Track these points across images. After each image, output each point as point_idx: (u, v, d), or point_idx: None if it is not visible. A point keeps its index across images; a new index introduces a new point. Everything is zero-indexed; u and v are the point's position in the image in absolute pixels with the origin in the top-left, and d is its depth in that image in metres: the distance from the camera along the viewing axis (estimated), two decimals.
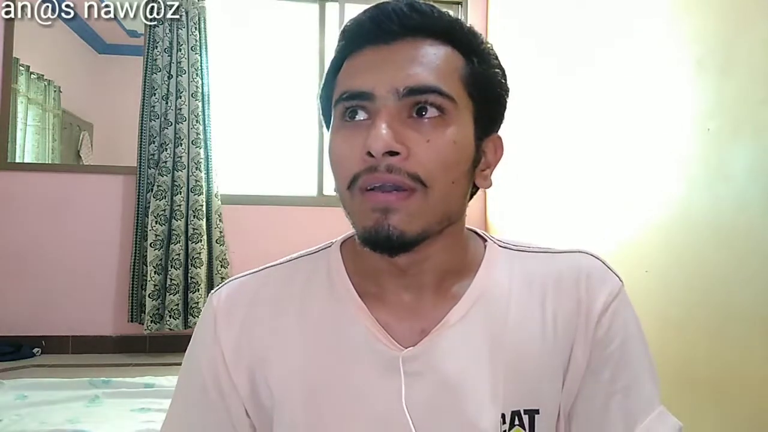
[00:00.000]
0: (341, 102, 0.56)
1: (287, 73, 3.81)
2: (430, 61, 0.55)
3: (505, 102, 0.61)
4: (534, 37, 3.09)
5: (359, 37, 0.57)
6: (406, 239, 0.53)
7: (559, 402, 0.60)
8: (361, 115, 0.55)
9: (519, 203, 3.19)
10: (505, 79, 0.61)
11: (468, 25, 0.59)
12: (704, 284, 1.80)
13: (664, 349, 1.94)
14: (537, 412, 0.58)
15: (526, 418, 0.58)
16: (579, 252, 0.64)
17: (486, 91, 0.58)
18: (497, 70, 0.60)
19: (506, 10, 3.57)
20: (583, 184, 2.58)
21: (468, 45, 0.58)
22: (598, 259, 0.63)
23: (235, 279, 0.67)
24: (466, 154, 0.56)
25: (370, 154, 0.52)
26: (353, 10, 3.61)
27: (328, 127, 0.62)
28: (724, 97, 1.76)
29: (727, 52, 1.75)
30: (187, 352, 0.65)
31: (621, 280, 0.63)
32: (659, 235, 2.02)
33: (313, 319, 0.61)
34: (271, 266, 0.67)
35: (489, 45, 0.60)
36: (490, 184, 0.61)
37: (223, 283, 0.67)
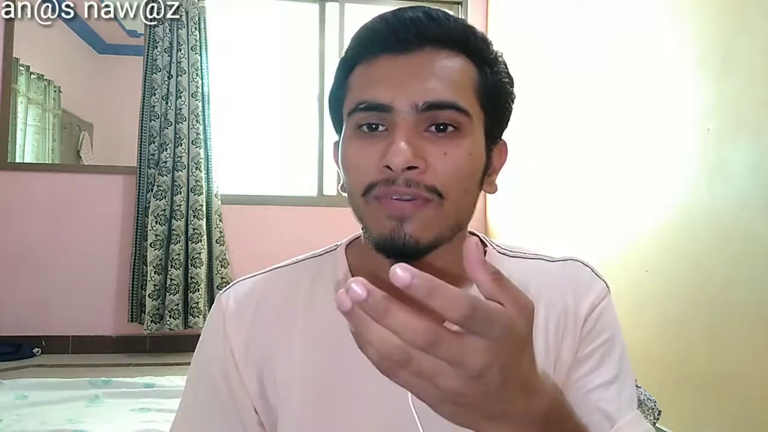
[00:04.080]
0: (358, 112, 0.56)
1: (287, 73, 3.81)
2: (448, 75, 0.55)
3: (512, 108, 0.63)
4: (534, 37, 3.09)
5: (374, 44, 0.57)
6: (421, 247, 0.55)
7: None
8: (379, 128, 0.56)
9: (519, 204, 3.19)
10: (512, 86, 0.62)
11: (480, 32, 0.60)
12: (704, 284, 1.80)
13: (664, 348, 1.94)
14: None
15: None
16: (570, 260, 0.66)
17: (496, 101, 0.60)
18: (506, 79, 0.61)
19: (506, 10, 3.57)
20: (584, 184, 2.58)
21: (481, 55, 0.59)
22: (587, 266, 0.66)
23: (243, 280, 0.68)
24: (478, 164, 0.58)
25: (388, 167, 0.53)
26: (353, 10, 3.64)
27: (337, 128, 0.63)
28: (724, 97, 1.76)
29: (727, 52, 1.75)
30: (195, 352, 0.66)
31: (608, 286, 0.65)
32: (659, 235, 2.02)
33: (318, 321, 0.62)
34: (278, 267, 0.68)
35: (499, 53, 0.61)
36: (496, 189, 0.63)
37: (231, 284, 0.68)
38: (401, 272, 0.33)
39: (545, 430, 0.41)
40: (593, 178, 2.50)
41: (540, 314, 0.62)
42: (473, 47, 0.58)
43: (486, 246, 0.67)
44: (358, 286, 0.33)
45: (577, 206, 2.62)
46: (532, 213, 3.09)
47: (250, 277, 0.68)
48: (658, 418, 1.49)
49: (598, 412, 0.58)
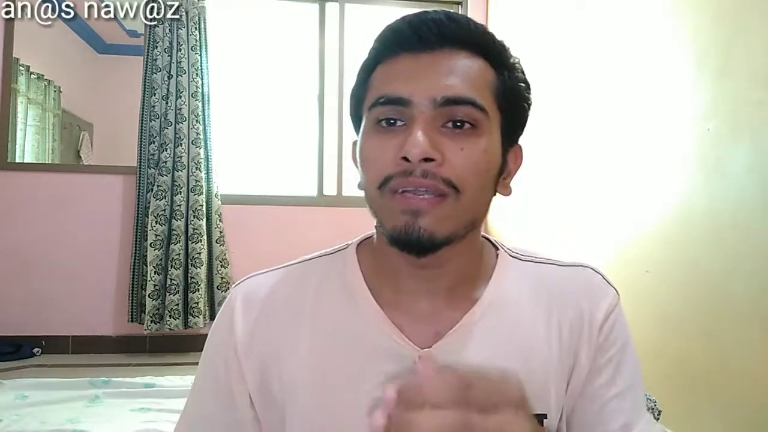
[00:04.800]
0: (378, 106, 0.57)
1: (287, 73, 3.81)
2: (466, 73, 0.57)
3: (528, 114, 0.64)
4: (534, 37, 3.09)
5: (396, 43, 0.58)
6: (436, 241, 0.55)
7: (562, 406, 0.62)
8: (397, 122, 0.57)
9: (520, 205, 3.19)
10: (529, 92, 0.64)
11: (499, 38, 0.61)
12: (703, 283, 1.80)
13: (663, 348, 1.94)
14: (545, 416, 0.60)
15: None
16: (582, 266, 0.67)
17: (513, 104, 0.61)
18: (523, 84, 0.62)
19: (506, 10, 3.57)
20: (584, 184, 2.58)
21: (499, 58, 0.60)
22: (598, 273, 0.67)
23: (256, 275, 0.69)
24: (494, 162, 0.59)
25: (405, 159, 0.54)
26: (353, 10, 3.64)
27: (356, 126, 0.64)
28: (723, 97, 1.76)
29: (726, 52, 1.75)
30: (207, 339, 0.68)
31: (618, 293, 0.66)
32: (659, 235, 2.02)
33: (327, 319, 0.63)
34: (290, 265, 0.69)
35: (517, 60, 0.63)
36: (510, 192, 0.64)
37: (244, 277, 0.69)
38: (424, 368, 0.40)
39: None
40: (592, 178, 2.50)
41: (552, 318, 0.62)
42: (492, 51, 0.60)
43: (498, 249, 0.68)
44: (390, 391, 0.39)
45: (577, 206, 2.62)
46: (532, 213, 3.09)
47: (263, 273, 0.69)
48: (657, 418, 1.49)
49: (615, 422, 0.60)
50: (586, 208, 2.55)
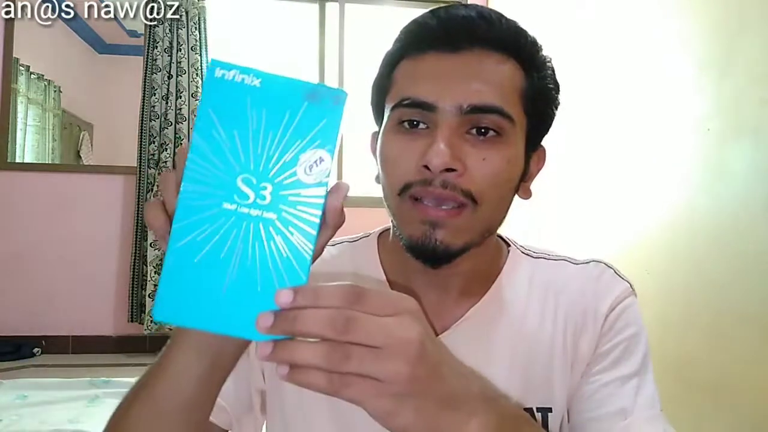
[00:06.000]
0: (402, 107, 0.56)
1: (287, 74, 3.80)
2: (494, 79, 0.55)
3: (554, 115, 0.63)
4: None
5: (423, 39, 0.57)
6: (451, 252, 0.55)
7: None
8: (420, 125, 0.55)
9: (522, 205, 3.19)
10: (558, 92, 0.62)
11: (531, 35, 0.60)
12: (704, 285, 1.80)
13: (664, 350, 1.94)
14: (550, 410, 0.60)
15: (539, 416, 0.59)
16: (593, 261, 0.66)
17: (540, 108, 0.60)
18: (552, 85, 0.61)
19: (506, 11, 3.57)
20: (585, 185, 2.58)
21: (530, 59, 0.59)
22: (609, 267, 0.66)
23: None
24: (516, 171, 0.58)
25: (427, 167, 0.53)
26: (353, 10, 3.64)
27: (377, 119, 0.63)
28: (724, 97, 1.76)
29: (727, 52, 1.75)
30: None
31: (632, 287, 0.64)
32: (660, 236, 2.02)
33: None
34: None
35: (548, 58, 0.62)
36: (530, 195, 0.64)
37: None
38: (283, 298, 0.35)
39: (498, 408, 0.43)
40: (593, 179, 2.50)
41: (559, 315, 0.62)
42: (523, 51, 0.58)
43: (510, 246, 0.68)
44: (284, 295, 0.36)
45: (578, 207, 2.62)
46: (533, 214, 3.09)
47: None
48: None
49: (611, 405, 0.58)
50: (586, 208, 2.55)
